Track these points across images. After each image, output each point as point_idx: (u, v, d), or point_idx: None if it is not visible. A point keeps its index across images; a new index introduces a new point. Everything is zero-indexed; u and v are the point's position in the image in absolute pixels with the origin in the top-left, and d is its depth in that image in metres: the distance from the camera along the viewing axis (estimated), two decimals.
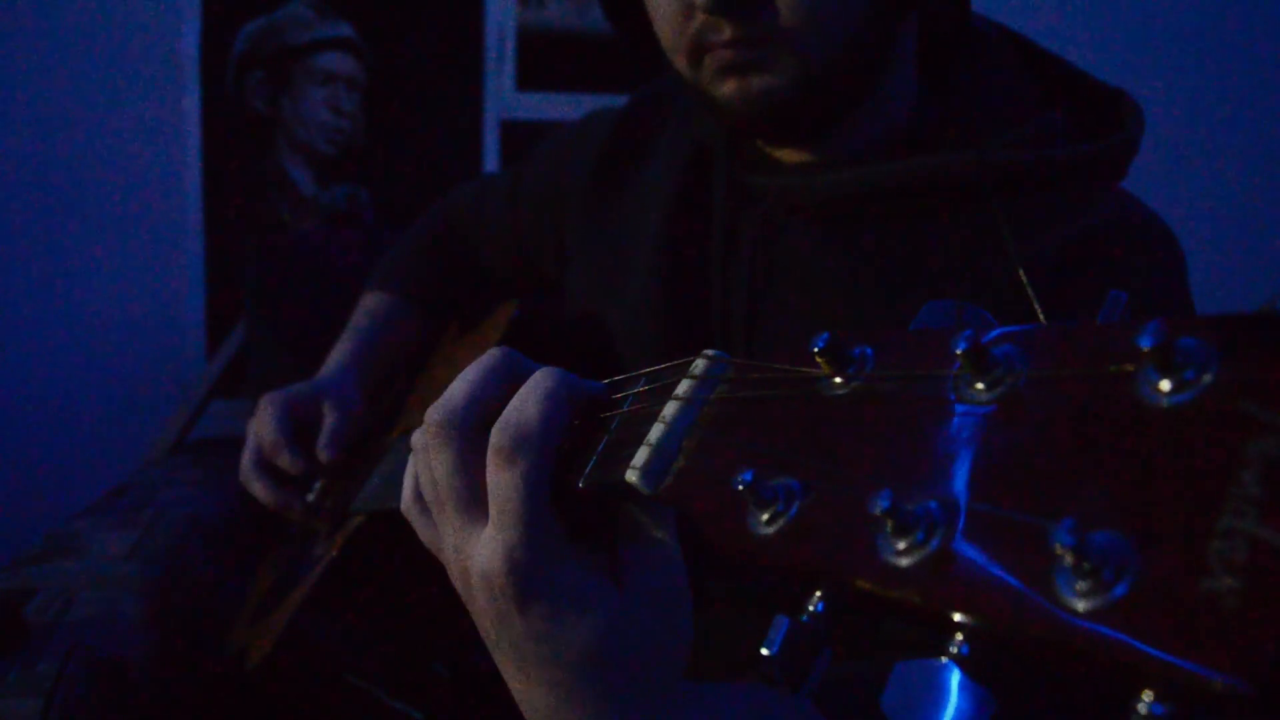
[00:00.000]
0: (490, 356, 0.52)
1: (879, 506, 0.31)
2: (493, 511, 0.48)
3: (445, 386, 0.53)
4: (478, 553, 0.49)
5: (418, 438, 0.54)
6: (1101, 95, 0.88)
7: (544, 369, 0.50)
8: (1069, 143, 0.81)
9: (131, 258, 2.10)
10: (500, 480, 0.48)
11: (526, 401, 0.49)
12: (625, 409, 0.48)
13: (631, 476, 0.43)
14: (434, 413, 0.51)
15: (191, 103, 2.07)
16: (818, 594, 0.34)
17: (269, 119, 2.10)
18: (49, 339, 2.10)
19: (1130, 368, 0.29)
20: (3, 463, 2.08)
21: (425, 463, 0.53)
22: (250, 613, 1.17)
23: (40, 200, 2.07)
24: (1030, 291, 0.72)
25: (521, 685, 0.51)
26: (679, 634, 0.50)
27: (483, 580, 0.49)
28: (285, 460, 1.03)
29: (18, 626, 1.04)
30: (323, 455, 1.03)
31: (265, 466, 1.05)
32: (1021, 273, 0.73)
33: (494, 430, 0.48)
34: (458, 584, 0.52)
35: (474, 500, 0.50)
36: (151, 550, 1.31)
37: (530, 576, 0.47)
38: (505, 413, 0.49)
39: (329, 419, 1.06)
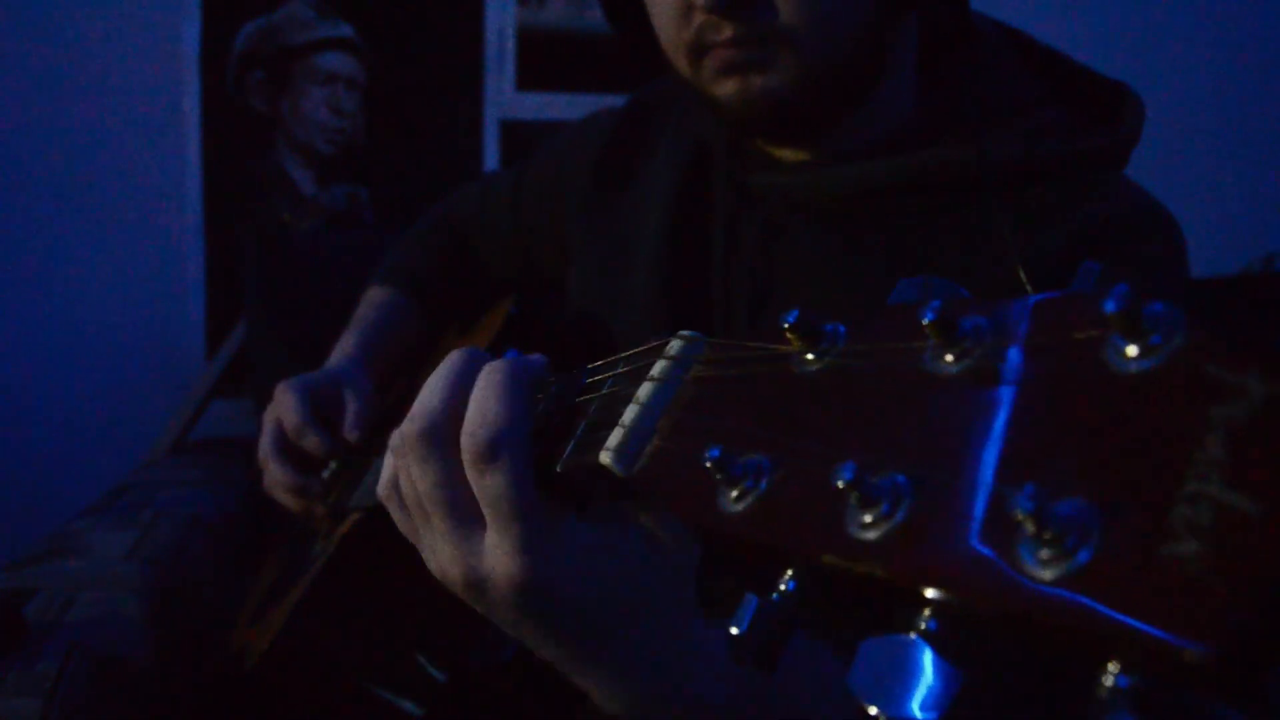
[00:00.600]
0: (451, 361, 0.52)
1: (843, 479, 0.30)
2: (489, 517, 0.49)
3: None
4: (488, 561, 0.49)
5: (395, 441, 0.53)
6: (1103, 90, 0.88)
7: (488, 364, 0.51)
8: (1069, 137, 0.81)
9: (131, 257, 2.10)
10: (485, 485, 0.48)
11: (486, 401, 0.49)
12: (604, 392, 0.48)
13: (605, 458, 0.43)
14: (410, 425, 0.51)
15: (191, 102, 2.08)
16: (789, 572, 0.34)
17: (269, 119, 2.10)
18: (49, 339, 2.10)
19: (1097, 334, 0.28)
20: (3, 463, 2.09)
21: (405, 474, 0.53)
22: (250, 613, 1.17)
23: (40, 200, 2.08)
24: (1029, 289, 0.72)
25: (552, 649, 0.52)
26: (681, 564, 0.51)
27: (507, 584, 0.49)
28: (312, 442, 1.03)
29: (18, 626, 1.04)
30: (351, 435, 1.05)
31: (285, 449, 1.06)
32: (1021, 271, 0.73)
33: (463, 439, 0.48)
34: (463, 592, 0.52)
35: (465, 508, 0.50)
36: (151, 550, 1.31)
37: (549, 565, 0.48)
38: (467, 418, 0.49)
39: (351, 403, 1.07)
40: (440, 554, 0.52)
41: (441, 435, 0.50)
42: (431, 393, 0.52)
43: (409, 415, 0.51)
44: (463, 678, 1.01)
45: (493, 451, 0.47)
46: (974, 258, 0.79)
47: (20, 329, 2.09)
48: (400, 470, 0.54)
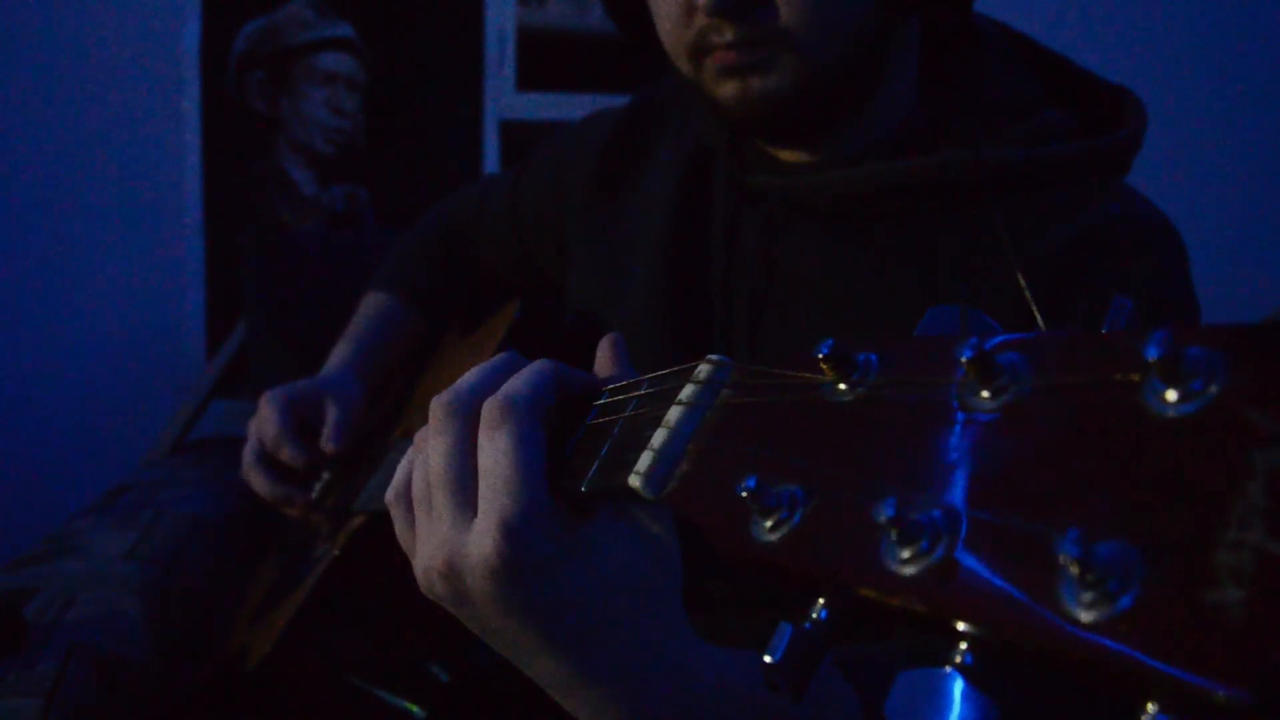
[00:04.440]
0: (496, 357, 0.53)
1: (883, 514, 0.31)
2: (483, 488, 0.48)
3: (447, 387, 0.53)
4: (471, 542, 0.48)
5: (421, 432, 0.53)
6: (1104, 93, 0.88)
7: (541, 359, 0.51)
8: (1070, 140, 0.81)
9: (131, 257, 2.09)
10: (489, 448, 0.48)
11: (516, 377, 0.50)
12: (629, 413, 0.48)
13: (634, 481, 0.43)
14: (439, 399, 0.51)
15: (191, 103, 2.07)
16: (821, 601, 0.34)
17: (269, 119, 2.10)
18: (49, 339, 2.10)
19: (1136, 377, 0.29)
20: (3, 463, 2.08)
21: (422, 452, 0.53)
22: (250, 613, 1.17)
23: (40, 200, 2.07)
24: (1029, 295, 0.72)
25: (539, 663, 0.52)
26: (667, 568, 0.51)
27: (483, 568, 0.48)
28: (288, 454, 1.03)
29: (18, 626, 1.03)
30: (327, 447, 1.04)
31: (266, 461, 1.05)
32: (1020, 277, 0.73)
33: (484, 407, 0.49)
34: (439, 583, 0.51)
35: (468, 486, 0.50)
36: (151, 550, 1.31)
37: (529, 553, 0.47)
38: (501, 388, 0.50)
39: (331, 413, 1.06)
40: (427, 544, 0.51)
41: (465, 407, 0.50)
42: (470, 373, 0.52)
43: (441, 393, 0.51)
44: (465, 679, 1.01)
45: (504, 415, 0.48)
46: (974, 260, 0.79)
47: (20, 329, 2.08)
48: (417, 454, 0.53)
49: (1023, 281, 0.72)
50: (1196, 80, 2.26)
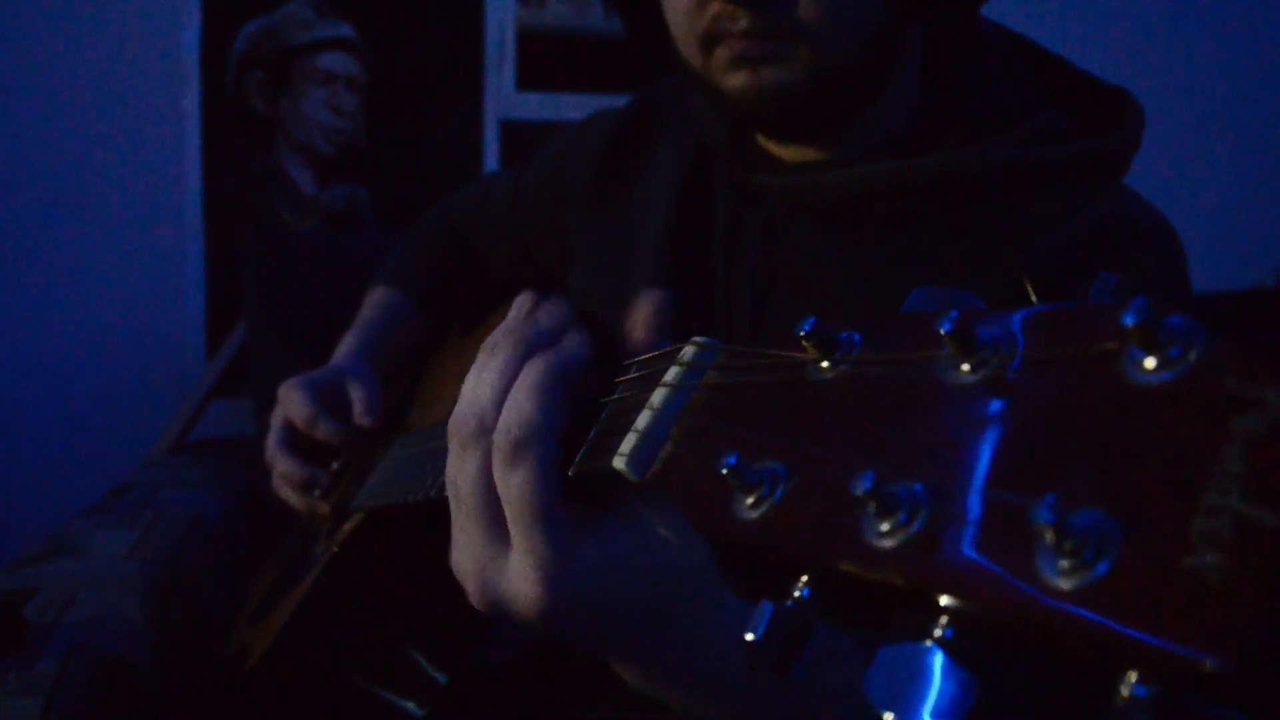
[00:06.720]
0: (501, 354, 0.51)
1: (861, 487, 0.31)
2: (511, 522, 0.48)
3: (449, 388, 0.52)
4: (510, 583, 0.49)
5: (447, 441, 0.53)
6: (1102, 94, 0.88)
7: (531, 360, 0.50)
8: (1069, 141, 0.81)
9: (131, 258, 2.10)
10: (510, 484, 0.48)
11: (518, 398, 0.48)
12: (615, 397, 0.48)
13: (619, 463, 0.43)
14: (455, 422, 0.50)
15: (191, 102, 2.08)
16: (803, 578, 0.34)
17: (269, 119, 2.10)
18: (49, 339, 2.10)
19: (1115, 346, 0.28)
20: (3, 463, 2.09)
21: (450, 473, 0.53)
22: (250, 613, 1.17)
23: (40, 200, 2.08)
24: (1031, 294, 0.72)
25: (606, 657, 0.53)
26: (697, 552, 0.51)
27: (528, 609, 0.49)
28: (325, 430, 1.03)
29: (18, 626, 1.03)
30: (363, 421, 1.03)
31: (293, 444, 1.05)
32: (1024, 277, 0.73)
33: (495, 436, 0.48)
34: (476, 603, 0.52)
35: (496, 513, 0.50)
36: (151, 550, 1.31)
37: (570, 588, 0.48)
38: (502, 415, 0.48)
39: (358, 392, 1.06)
40: (464, 557, 0.52)
41: (480, 432, 0.50)
42: (477, 385, 0.51)
43: (462, 413, 0.51)
44: (463, 679, 1.01)
45: (518, 450, 0.47)
46: (975, 260, 0.79)
47: (21, 329, 2.09)
48: (447, 474, 0.53)
49: (1027, 282, 0.72)
50: (1194, 80, 2.26)
